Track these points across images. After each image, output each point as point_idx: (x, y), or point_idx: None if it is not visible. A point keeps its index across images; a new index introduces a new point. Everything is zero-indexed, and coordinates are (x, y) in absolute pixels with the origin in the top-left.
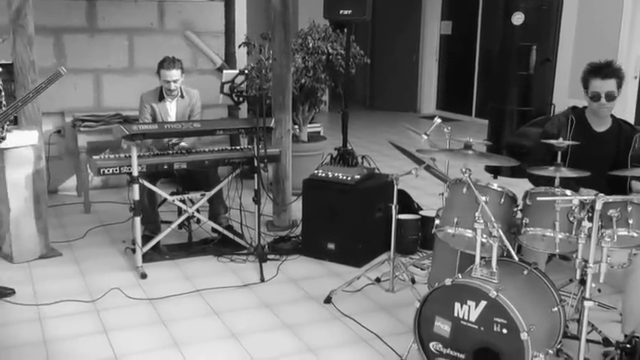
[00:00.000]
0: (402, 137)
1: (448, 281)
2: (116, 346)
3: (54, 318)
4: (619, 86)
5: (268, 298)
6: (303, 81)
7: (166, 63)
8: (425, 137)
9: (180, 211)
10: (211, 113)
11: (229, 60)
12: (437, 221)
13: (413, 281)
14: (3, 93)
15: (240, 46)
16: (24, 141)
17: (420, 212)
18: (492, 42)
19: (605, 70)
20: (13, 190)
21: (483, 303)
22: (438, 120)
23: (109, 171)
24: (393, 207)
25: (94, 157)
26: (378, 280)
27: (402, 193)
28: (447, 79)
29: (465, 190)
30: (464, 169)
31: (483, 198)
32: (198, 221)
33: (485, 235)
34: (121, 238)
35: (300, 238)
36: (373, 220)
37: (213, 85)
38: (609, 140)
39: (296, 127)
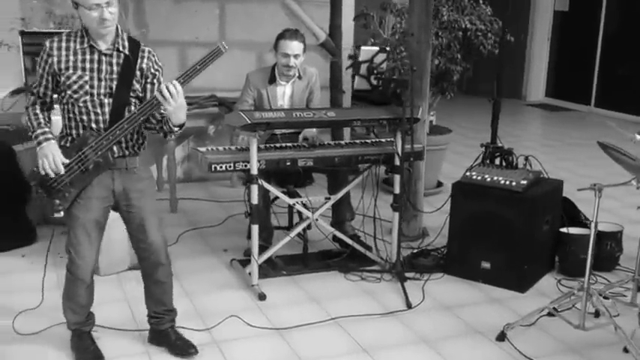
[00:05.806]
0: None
1: None
2: None
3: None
4: None
5: (423, 331)
6: (436, 62)
7: (288, 33)
8: (638, 138)
9: (291, 216)
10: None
11: (334, 34)
12: None
13: (597, 314)
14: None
15: (355, 18)
16: None
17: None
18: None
19: None
20: None
21: None
22: None
23: (221, 167)
24: (593, 224)
25: (201, 149)
26: (555, 310)
27: (568, 203)
28: (560, 62)
29: None
30: None
31: None
32: (309, 227)
33: None
34: (219, 245)
35: (444, 252)
36: (541, 235)
37: (316, 63)
38: None
39: None
